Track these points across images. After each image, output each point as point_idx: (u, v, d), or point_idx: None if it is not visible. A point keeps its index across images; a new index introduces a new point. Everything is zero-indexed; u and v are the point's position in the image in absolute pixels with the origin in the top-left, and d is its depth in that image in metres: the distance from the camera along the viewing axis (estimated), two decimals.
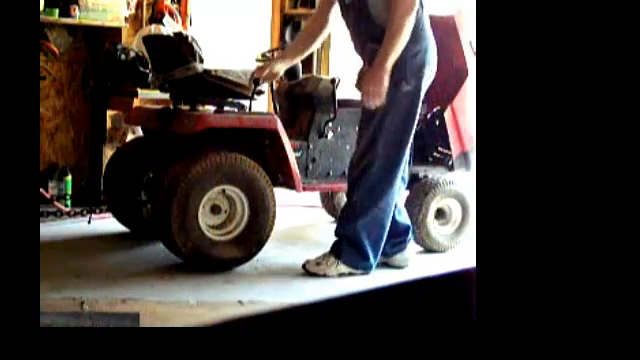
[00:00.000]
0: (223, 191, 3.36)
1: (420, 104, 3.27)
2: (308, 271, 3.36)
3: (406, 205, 3.88)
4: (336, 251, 3.37)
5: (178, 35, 3.70)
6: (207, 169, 3.28)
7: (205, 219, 3.34)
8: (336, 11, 3.48)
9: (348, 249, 3.34)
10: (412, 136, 3.29)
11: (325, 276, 3.32)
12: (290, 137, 3.69)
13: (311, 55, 5.64)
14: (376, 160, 3.25)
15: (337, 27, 6.25)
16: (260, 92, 3.60)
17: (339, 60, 6.24)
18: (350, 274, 3.35)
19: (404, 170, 3.41)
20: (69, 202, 4.58)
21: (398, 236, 3.49)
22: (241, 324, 0.75)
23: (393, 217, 3.40)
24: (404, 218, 3.56)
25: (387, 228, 3.35)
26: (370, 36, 3.24)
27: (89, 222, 4.12)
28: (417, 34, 3.18)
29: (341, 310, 0.81)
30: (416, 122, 3.28)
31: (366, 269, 3.36)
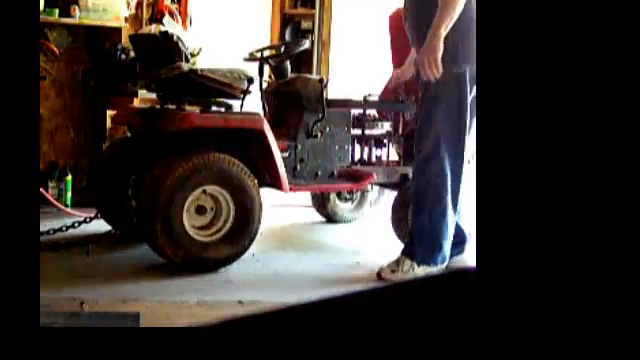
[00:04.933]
0: (208, 191, 3.34)
1: (469, 88, 3.15)
2: (384, 279, 3.27)
3: (396, 205, 3.87)
4: (409, 251, 3.30)
5: (163, 34, 3.67)
6: (191, 169, 3.24)
7: (190, 220, 3.31)
8: None
9: (421, 245, 3.25)
10: (468, 119, 3.17)
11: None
12: (278, 137, 3.66)
13: (311, 55, 5.66)
14: (435, 147, 3.17)
15: (338, 27, 6.25)
16: (248, 92, 3.58)
17: (339, 60, 6.25)
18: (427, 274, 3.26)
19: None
20: (69, 202, 4.59)
21: (457, 236, 3.39)
22: (241, 324, 0.75)
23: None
24: (462, 218, 3.46)
25: (457, 215, 3.27)
26: (427, 21, 3.13)
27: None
28: (468, 18, 3.06)
29: (341, 310, 0.81)
30: (468, 107, 3.16)
31: (443, 262, 3.28)
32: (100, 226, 4.19)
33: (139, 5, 4.99)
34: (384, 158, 4.26)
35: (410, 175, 3.85)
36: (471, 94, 3.16)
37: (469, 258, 3.48)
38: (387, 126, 4.21)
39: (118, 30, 4.72)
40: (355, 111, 4.07)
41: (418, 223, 3.28)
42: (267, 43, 6.16)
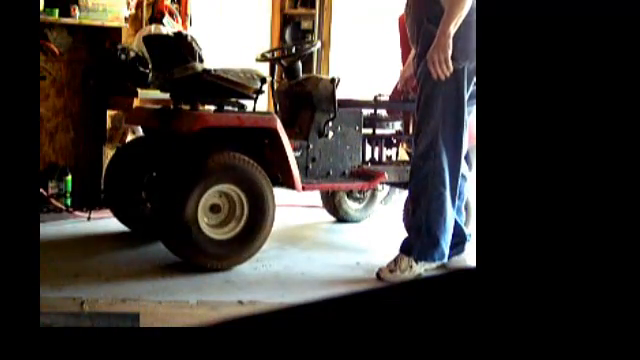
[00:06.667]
0: (222, 190, 3.37)
1: (466, 86, 3.15)
2: (383, 280, 3.27)
3: (407, 204, 3.88)
4: (406, 248, 3.30)
5: (178, 35, 3.71)
6: (206, 168, 3.29)
7: (205, 218, 3.35)
8: None
9: (419, 242, 3.24)
10: (466, 115, 3.16)
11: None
12: (290, 137, 3.70)
13: (311, 55, 5.67)
14: (433, 143, 3.16)
15: (338, 27, 6.25)
16: (260, 92, 3.61)
17: (339, 60, 6.25)
18: (426, 271, 3.28)
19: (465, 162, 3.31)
20: (69, 202, 4.59)
21: (457, 236, 3.38)
22: (241, 324, 0.75)
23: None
24: (462, 218, 3.47)
25: (454, 213, 3.26)
26: (427, 16, 3.15)
27: (89, 219, 4.15)
28: (467, 14, 3.07)
29: (341, 310, 0.81)
30: (466, 103, 3.16)
31: (441, 258, 3.27)
32: (100, 224, 4.21)
33: (139, 5, 4.99)
34: (394, 157, 4.28)
35: None
36: (469, 90, 3.17)
37: (469, 258, 3.48)
38: (397, 125, 4.24)
39: (118, 30, 4.72)
40: (366, 111, 4.09)
41: (415, 219, 3.28)
42: (267, 43, 6.17)
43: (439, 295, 0.87)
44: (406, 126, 4.19)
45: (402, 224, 3.77)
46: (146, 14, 5.02)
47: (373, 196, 4.70)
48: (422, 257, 3.27)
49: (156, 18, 4.97)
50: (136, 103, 4.49)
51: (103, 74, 4.62)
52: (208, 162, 3.31)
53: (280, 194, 3.67)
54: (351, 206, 4.65)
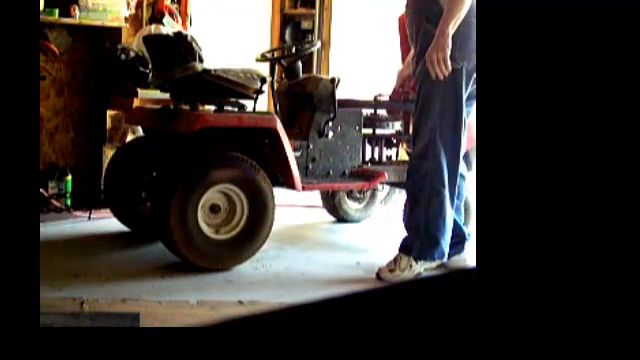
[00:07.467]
0: (222, 190, 3.37)
1: (464, 86, 3.15)
2: (383, 280, 3.28)
3: (406, 204, 3.88)
4: (405, 247, 3.30)
5: (178, 35, 3.71)
6: (206, 168, 3.29)
7: (204, 218, 3.35)
8: None
9: (418, 241, 3.25)
10: (464, 114, 3.17)
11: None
12: (290, 137, 3.70)
13: (311, 55, 5.67)
14: (431, 142, 3.17)
15: (338, 27, 6.25)
16: (260, 92, 3.61)
17: (339, 60, 6.26)
18: (426, 270, 3.29)
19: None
20: (69, 202, 4.59)
21: (456, 236, 3.38)
22: (241, 324, 0.75)
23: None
24: (461, 218, 3.48)
25: (453, 212, 3.27)
26: (427, 15, 3.16)
27: (89, 219, 4.16)
28: (472, 16, 3.09)
29: (341, 310, 0.81)
30: (464, 103, 3.17)
31: (441, 257, 3.28)
32: (100, 224, 4.21)
33: (139, 5, 4.99)
34: (394, 157, 4.29)
35: None
36: (467, 90, 3.17)
37: (469, 257, 3.48)
38: (397, 125, 4.24)
39: (118, 30, 4.72)
40: (366, 111, 4.10)
41: (414, 218, 3.29)
42: (267, 43, 6.17)
43: (439, 295, 0.87)
44: (406, 126, 4.19)
45: (402, 224, 3.77)
46: (146, 14, 5.02)
47: (373, 196, 4.70)
48: (422, 256, 3.27)
49: (156, 18, 4.97)
50: (136, 103, 4.49)
51: (103, 74, 4.62)
52: (208, 162, 3.31)
53: (280, 194, 3.67)
54: (351, 206, 4.65)
